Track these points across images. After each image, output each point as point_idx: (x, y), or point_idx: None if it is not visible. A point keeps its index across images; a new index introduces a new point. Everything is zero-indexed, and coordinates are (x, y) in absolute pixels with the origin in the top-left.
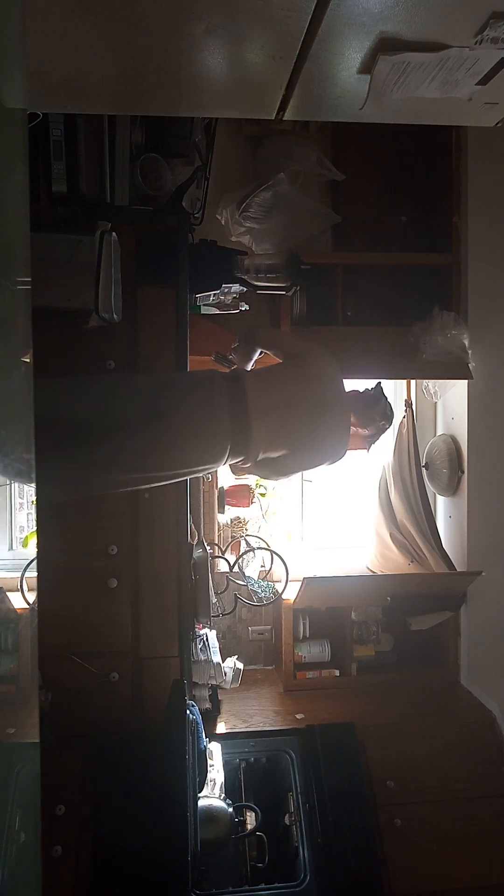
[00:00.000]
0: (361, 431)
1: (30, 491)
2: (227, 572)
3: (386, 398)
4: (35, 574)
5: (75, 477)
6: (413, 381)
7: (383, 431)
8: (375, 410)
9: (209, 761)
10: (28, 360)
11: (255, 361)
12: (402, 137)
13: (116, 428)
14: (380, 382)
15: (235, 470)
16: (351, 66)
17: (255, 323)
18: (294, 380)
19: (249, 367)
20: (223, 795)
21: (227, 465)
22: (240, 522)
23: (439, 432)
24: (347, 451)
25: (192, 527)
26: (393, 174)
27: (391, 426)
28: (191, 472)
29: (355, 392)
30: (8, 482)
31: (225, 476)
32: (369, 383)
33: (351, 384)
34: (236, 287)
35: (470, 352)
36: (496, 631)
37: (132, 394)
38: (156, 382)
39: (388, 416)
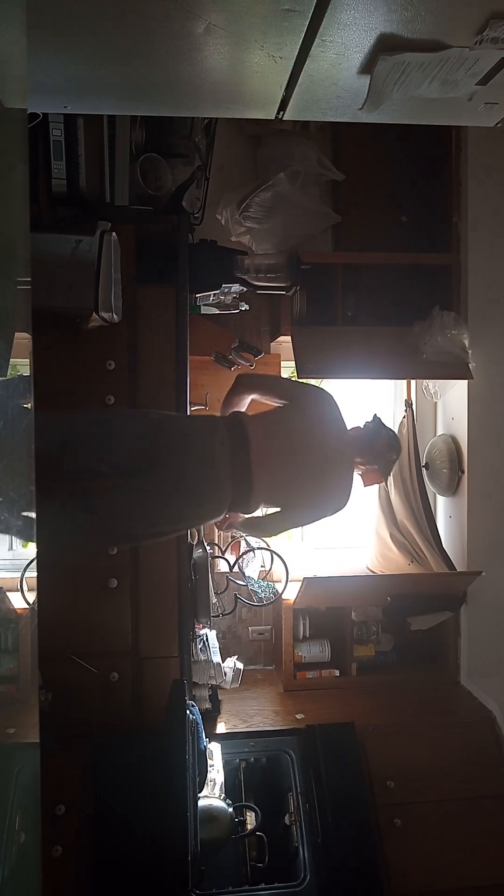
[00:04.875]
0: (373, 467)
1: None
2: (227, 572)
3: (386, 428)
4: (35, 574)
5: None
6: (413, 381)
7: (394, 461)
8: (379, 445)
9: (209, 761)
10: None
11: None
12: (402, 137)
13: (107, 477)
14: (376, 413)
15: (223, 527)
16: (351, 66)
17: (245, 371)
18: (295, 424)
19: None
20: (223, 795)
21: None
22: None
23: (439, 432)
24: (349, 502)
25: None
26: (393, 174)
27: (400, 452)
28: (187, 528)
29: (356, 431)
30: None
31: None
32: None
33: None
34: (236, 287)
35: (470, 352)
36: (496, 631)
37: (129, 443)
38: (154, 427)
39: (394, 446)
